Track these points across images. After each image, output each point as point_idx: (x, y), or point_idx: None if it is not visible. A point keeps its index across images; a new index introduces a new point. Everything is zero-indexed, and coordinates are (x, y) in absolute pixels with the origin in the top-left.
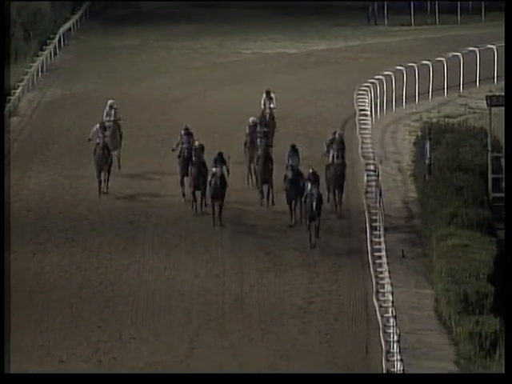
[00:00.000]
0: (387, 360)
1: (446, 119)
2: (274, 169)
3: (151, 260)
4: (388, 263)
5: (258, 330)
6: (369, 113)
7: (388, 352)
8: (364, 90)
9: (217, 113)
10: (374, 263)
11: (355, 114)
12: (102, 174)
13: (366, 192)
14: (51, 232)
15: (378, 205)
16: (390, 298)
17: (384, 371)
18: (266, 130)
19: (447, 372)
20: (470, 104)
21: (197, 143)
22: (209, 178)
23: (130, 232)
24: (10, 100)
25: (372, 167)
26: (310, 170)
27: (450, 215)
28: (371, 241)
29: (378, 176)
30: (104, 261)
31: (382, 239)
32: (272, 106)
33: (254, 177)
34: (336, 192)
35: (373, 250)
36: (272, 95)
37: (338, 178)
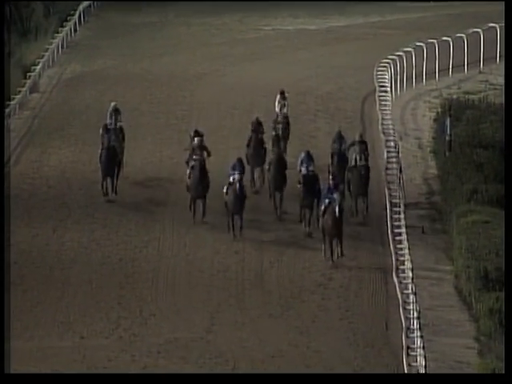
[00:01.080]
0: (407, 336)
1: (467, 95)
2: (287, 175)
3: (171, 237)
4: (408, 240)
5: (277, 307)
6: (389, 89)
7: (408, 328)
8: (384, 67)
9: (237, 89)
10: (393, 240)
11: (375, 90)
12: (109, 180)
13: (386, 169)
14: (71, 208)
15: (398, 181)
16: (410, 274)
17: (404, 348)
18: (278, 133)
19: (466, 348)
20: (491, 80)
21: (196, 140)
22: (225, 187)
23: (150, 209)
24: (30, 76)
25: (392, 144)
26: (330, 178)
27: (470, 192)
28: (391, 217)
29: (398, 152)
30: (124, 237)
31: (402, 216)
32: (285, 109)
33: (265, 182)
34: (360, 198)
35: (393, 227)
36: (287, 95)
37: (362, 183)
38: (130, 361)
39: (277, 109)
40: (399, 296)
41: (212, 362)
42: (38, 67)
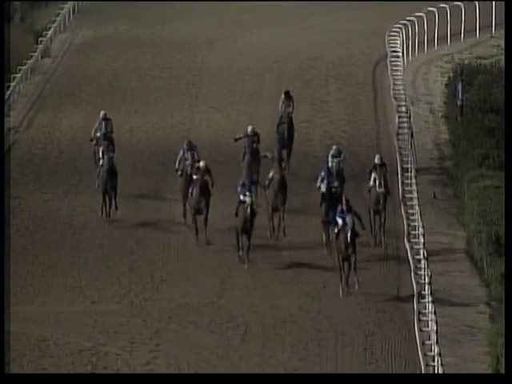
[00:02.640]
0: (418, 302)
1: (478, 60)
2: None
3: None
4: (419, 205)
5: (288, 272)
6: (400, 54)
7: (419, 293)
8: (396, 32)
9: (247, 54)
10: (405, 205)
11: (387, 55)
12: (107, 198)
13: (398, 134)
14: (83, 173)
15: (409, 146)
16: (422, 239)
17: (415, 313)
18: (279, 152)
19: (478, 313)
20: (502, 45)
21: (202, 164)
22: (236, 204)
23: (161, 174)
24: (41, 41)
25: (403, 109)
26: (343, 200)
27: (482, 157)
28: (402, 182)
29: (409, 118)
30: (135, 203)
31: (414, 181)
32: (291, 109)
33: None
34: (377, 221)
35: (404, 192)
36: (291, 95)
37: (381, 209)
38: (141, 326)
39: (280, 109)
40: (411, 261)
41: (223, 326)
42: (50, 32)
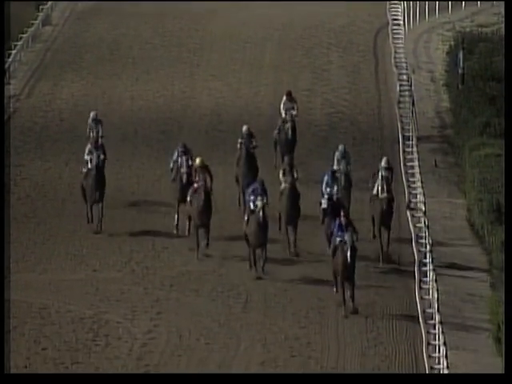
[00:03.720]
0: (419, 270)
1: (480, 28)
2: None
3: None
4: (420, 173)
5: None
6: (402, 22)
7: (421, 262)
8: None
9: (249, 23)
10: (406, 173)
11: (388, 23)
12: (95, 209)
13: (399, 102)
14: (83, 141)
15: (410, 115)
16: (423, 207)
17: (417, 281)
18: (291, 160)
19: (479, 281)
20: (503, 13)
21: (198, 161)
22: (246, 215)
23: (163, 142)
24: (42, 9)
25: (405, 77)
26: (341, 214)
27: (483, 125)
28: (403, 151)
29: (410, 86)
30: (136, 171)
31: (415, 149)
32: (294, 112)
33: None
34: (382, 231)
35: (405, 160)
36: (294, 97)
37: (385, 216)
38: (142, 293)
39: (282, 111)
40: (412, 229)
41: (224, 295)
42: (50, 0)
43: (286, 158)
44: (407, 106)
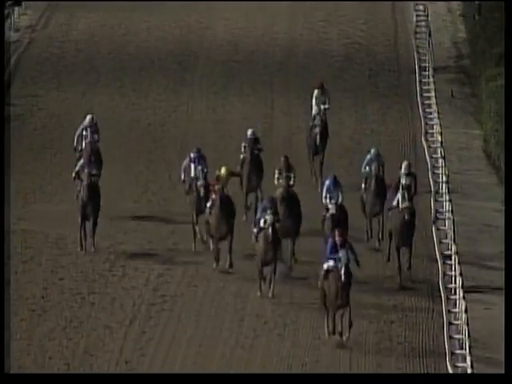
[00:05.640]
0: (436, 200)
1: None
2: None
3: (199, 101)
4: (437, 104)
5: (307, 170)
6: None
7: (437, 193)
8: None
9: None
10: (422, 104)
11: None
12: (87, 225)
13: (416, 33)
14: (100, 73)
15: (427, 45)
16: (439, 138)
17: (433, 212)
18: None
19: (495, 211)
20: None
21: (223, 170)
22: (255, 229)
23: (179, 73)
24: None
25: (421, 7)
26: (336, 233)
27: (499, 55)
28: (420, 81)
29: (427, 16)
30: (153, 102)
31: (431, 80)
32: (326, 106)
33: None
34: (402, 249)
35: (422, 91)
36: (326, 89)
37: (406, 229)
38: (158, 224)
39: (314, 107)
40: (428, 160)
41: (241, 220)
42: None
43: (282, 159)
44: (424, 37)
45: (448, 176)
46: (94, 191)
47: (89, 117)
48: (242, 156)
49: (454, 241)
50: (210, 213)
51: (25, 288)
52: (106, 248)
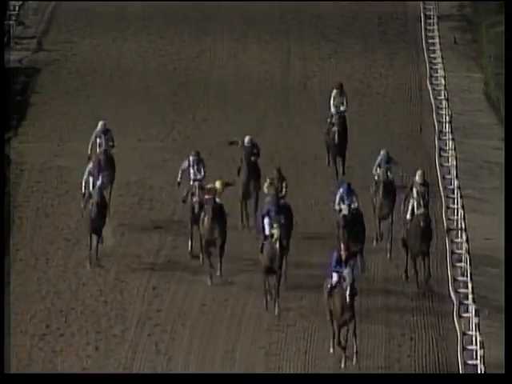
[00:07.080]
0: (439, 139)
1: None
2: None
3: (221, 48)
4: (441, 49)
5: (319, 112)
6: None
7: (440, 132)
8: None
9: None
10: (427, 50)
11: None
12: (94, 238)
13: None
14: (130, 20)
15: None
16: (443, 81)
17: (437, 149)
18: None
19: (495, 149)
20: None
21: (218, 184)
22: (261, 240)
23: (202, 21)
24: None
25: None
26: (341, 247)
27: (499, 4)
28: (425, 29)
29: None
30: (178, 48)
31: (436, 27)
32: (343, 108)
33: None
34: (419, 260)
35: (427, 37)
36: (344, 90)
37: (423, 235)
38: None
39: (332, 108)
40: (432, 102)
41: (260, 162)
42: None
43: (275, 172)
44: None
45: (451, 116)
46: (103, 207)
47: (101, 123)
48: (238, 165)
49: (457, 176)
50: (203, 222)
51: (60, 219)
52: (135, 182)
